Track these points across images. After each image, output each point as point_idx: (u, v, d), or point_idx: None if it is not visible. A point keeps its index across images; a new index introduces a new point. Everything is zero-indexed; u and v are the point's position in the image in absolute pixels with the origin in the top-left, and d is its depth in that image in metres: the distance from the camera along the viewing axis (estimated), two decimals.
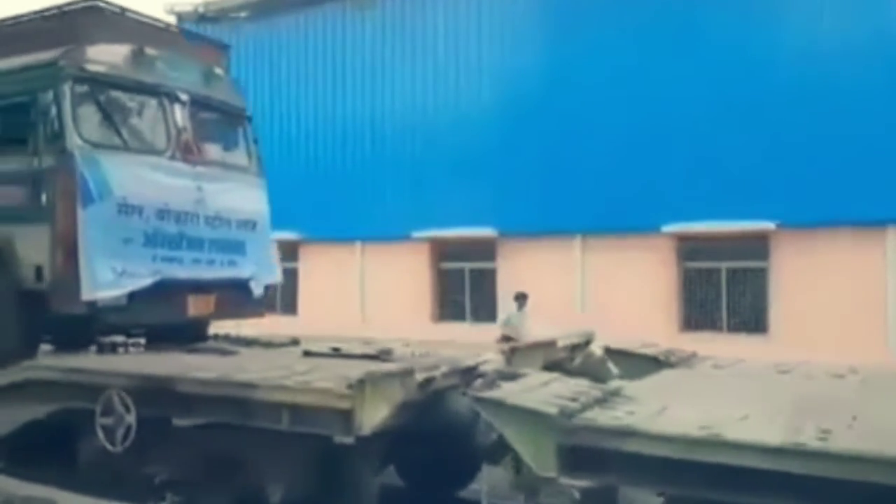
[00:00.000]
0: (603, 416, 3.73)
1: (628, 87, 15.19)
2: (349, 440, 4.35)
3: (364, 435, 4.29)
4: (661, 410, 3.85)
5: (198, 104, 7.16)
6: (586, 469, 3.70)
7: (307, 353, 6.15)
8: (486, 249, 17.20)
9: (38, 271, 6.16)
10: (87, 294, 5.99)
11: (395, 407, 4.30)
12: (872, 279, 13.26)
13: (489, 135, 16.74)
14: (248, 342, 7.30)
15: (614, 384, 4.63)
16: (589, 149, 15.49)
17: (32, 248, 6.21)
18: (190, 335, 7.20)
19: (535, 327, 13.58)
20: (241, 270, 7.29)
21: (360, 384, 4.29)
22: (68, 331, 7.17)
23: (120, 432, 5.29)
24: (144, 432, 5.27)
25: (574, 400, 3.89)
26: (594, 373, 5.90)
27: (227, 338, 7.78)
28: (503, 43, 17.10)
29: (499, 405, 3.87)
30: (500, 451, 4.31)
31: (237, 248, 7.25)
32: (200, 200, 6.89)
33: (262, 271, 7.54)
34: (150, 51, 6.76)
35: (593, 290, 14.89)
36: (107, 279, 6.09)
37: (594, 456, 3.66)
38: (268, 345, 7.14)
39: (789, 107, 13.83)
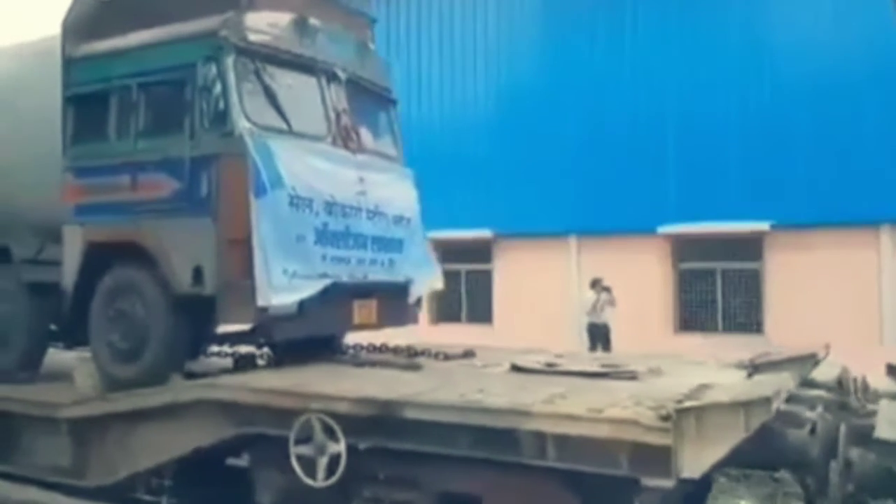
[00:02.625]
0: None
1: (624, 88, 15.06)
2: (667, 484, 3.49)
3: (688, 478, 3.46)
4: None
5: (353, 84, 6.32)
6: None
7: (516, 368, 5.30)
8: (482, 251, 16.84)
9: (197, 273, 5.28)
10: (263, 300, 5.10)
11: (732, 444, 3.44)
12: (866, 278, 13.09)
13: (485, 136, 16.43)
14: (413, 353, 6.44)
15: None
16: (585, 150, 15.34)
17: (189, 246, 5.34)
18: (321, 346, 6.35)
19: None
20: (399, 272, 6.44)
21: (683, 415, 3.46)
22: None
23: (322, 464, 4.48)
24: (350, 464, 4.46)
25: None
26: (854, 393, 5.06)
27: (370, 348, 6.92)
28: (498, 43, 16.85)
29: None
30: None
31: (396, 246, 6.40)
32: (363, 193, 6.03)
33: (418, 273, 6.70)
34: (313, 21, 5.91)
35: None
36: (281, 283, 5.21)
37: None
38: (437, 356, 6.28)
39: (783, 108, 13.66)
